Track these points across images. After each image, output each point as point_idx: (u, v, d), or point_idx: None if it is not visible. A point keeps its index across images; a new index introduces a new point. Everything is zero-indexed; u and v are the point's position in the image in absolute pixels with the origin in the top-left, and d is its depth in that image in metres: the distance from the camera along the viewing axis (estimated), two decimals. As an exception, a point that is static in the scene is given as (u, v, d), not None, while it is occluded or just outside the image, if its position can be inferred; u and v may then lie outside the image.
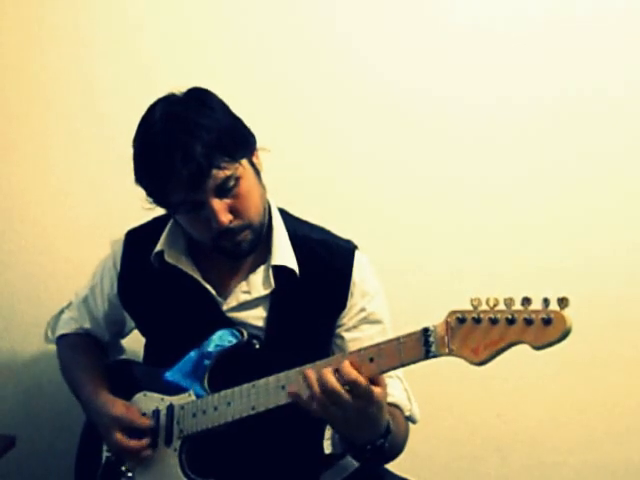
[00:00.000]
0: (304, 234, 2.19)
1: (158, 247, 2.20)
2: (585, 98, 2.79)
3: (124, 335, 2.50)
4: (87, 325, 2.43)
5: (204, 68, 2.77)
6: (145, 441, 2.12)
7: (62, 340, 2.47)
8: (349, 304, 2.14)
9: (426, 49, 2.81)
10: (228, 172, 1.97)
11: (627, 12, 2.76)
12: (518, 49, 2.79)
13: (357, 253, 2.18)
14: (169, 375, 2.16)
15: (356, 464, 2.21)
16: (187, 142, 1.93)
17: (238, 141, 2.02)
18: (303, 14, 2.81)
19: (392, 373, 2.08)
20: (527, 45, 2.79)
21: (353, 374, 1.75)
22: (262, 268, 2.15)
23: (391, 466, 2.23)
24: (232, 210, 2.02)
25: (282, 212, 2.23)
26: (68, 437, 2.69)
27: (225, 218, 2.00)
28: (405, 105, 2.82)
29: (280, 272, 2.13)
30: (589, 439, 2.86)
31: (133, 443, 2.12)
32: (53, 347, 2.52)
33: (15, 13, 2.82)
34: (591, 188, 2.81)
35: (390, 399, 2.03)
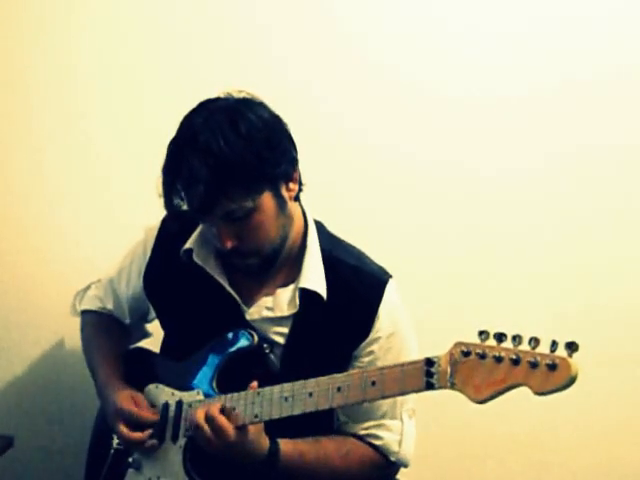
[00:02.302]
0: (338, 257, 2.08)
1: (188, 245, 2.12)
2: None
3: (148, 321, 2.43)
4: (110, 306, 2.36)
5: (206, 67, 2.70)
6: (147, 433, 2.07)
7: (86, 316, 2.42)
8: (370, 337, 2.05)
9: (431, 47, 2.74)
10: (235, 205, 1.88)
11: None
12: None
13: (389, 285, 2.08)
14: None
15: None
16: (196, 166, 1.85)
17: (256, 174, 1.89)
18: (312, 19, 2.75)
19: (397, 413, 2.07)
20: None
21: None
22: (290, 288, 2.06)
23: None
24: (239, 236, 1.94)
25: (320, 229, 2.12)
26: (66, 437, 2.74)
27: (228, 243, 1.94)
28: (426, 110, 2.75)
29: (307, 294, 2.03)
30: (587, 440, 2.80)
31: (135, 435, 2.06)
32: (52, 348, 2.52)
33: (16, 12, 2.76)
34: (592, 192, 2.75)
35: (377, 442, 2.07)
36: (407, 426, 2.08)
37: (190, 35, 2.73)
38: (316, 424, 1.98)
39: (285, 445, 1.96)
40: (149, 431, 2.07)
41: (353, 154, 2.75)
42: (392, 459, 2.07)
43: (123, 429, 2.06)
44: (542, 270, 2.73)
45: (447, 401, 2.65)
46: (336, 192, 2.71)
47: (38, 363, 2.81)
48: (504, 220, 2.76)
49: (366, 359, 2.05)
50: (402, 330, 2.09)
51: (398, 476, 2.20)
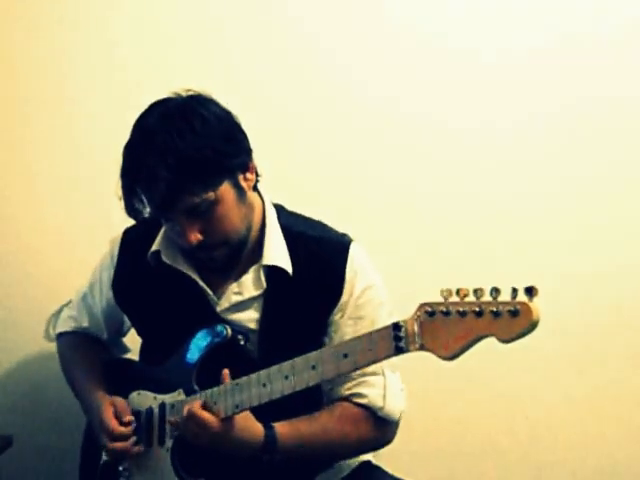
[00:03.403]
0: (299, 231, 2.10)
1: (154, 247, 2.13)
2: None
3: (123, 333, 2.44)
4: (85, 324, 2.37)
5: (199, 68, 2.75)
6: (129, 443, 2.06)
7: (62, 338, 2.43)
8: (341, 300, 2.05)
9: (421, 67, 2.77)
10: (197, 199, 1.91)
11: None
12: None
13: (352, 247, 2.09)
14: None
15: (352, 466, 2.20)
16: (154, 166, 1.88)
17: (215, 167, 1.93)
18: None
19: (377, 369, 2.04)
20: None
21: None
22: (253, 268, 2.07)
23: (386, 465, 2.20)
24: (204, 230, 1.96)
25: (278, 209, 2.15)
26: (65, 437, 2.69)
27: (194, 238, 1.95)
28: (400, 106, 2.78)
29: (272, 272, 2.05)
30: (586, 438, 2.78)
31: (118, 445, 2.07)
32: (50, 347, 2.49)
33: (12, 11, 2.80)
34: (590, 187, 2.76)
35: (362, 400, 2.05)
36: (390, 379, 2.07)
37: (186, 34, 2.78)
38: (305, 400, 1.97)
39: (281, 427, 1.96)
40: (132, 439, 2.07)
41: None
42: (379, 414, 2.05)
43: (105, 440, 2.07)
44: (540, 271, 2.68)
45: (447, 401, 2.75)
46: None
47: (37, 363, 2.82)
48: (503, 218, 2.78)
49: (340, 321, 2.06)
50: (372, 288, 2.09)
51: (396, 474, 2.18)
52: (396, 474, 2.18)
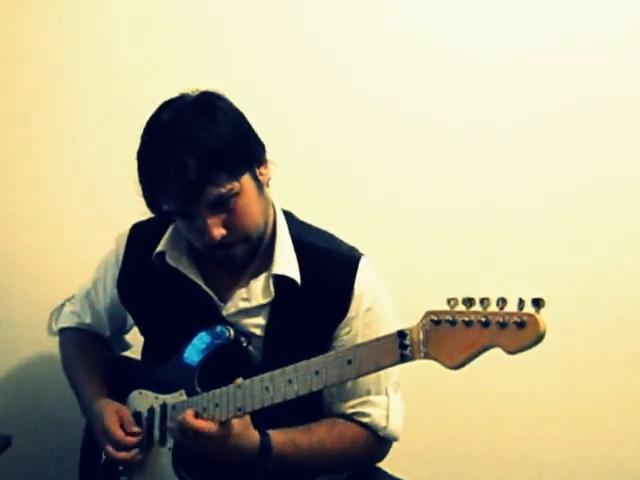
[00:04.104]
0: (308, 241, 2.09)
1: (160, 247, 2.11)
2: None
3: (126, 331, 2.42)
4: (88, 320, 2.35)
5: (199, 68, 2.73)
6: (133, 453, 2.06)
7: (64, 334, 2.41)
8: (348, 315, 2.04)
9: (425, 67, 2.76)
10: (223, 189, 1.89)
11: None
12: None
13: (361, 262, 2.07)
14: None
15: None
16: (181, 156, 1.85)
17: (239, 157, 1.92)
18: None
19: (381, 388, 2.06)
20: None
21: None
22: (263, 276, 2.06)
23: (386, 466, 2.18)
24: (226, 225, 1.94)
25: (288, 216, 2.13)
26: (64, 437, 2.69)
27: (217, 233, 1.92)
28: (400, 106, 2.77)
29: (281, 281, 2.03)
30: (585, 439, 2.78)
31: (121, 455, 2.06)
32: (50, 347, 2.49)
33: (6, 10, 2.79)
34: (590, 187, 2.75)
35: (364, 419, 2.05)
36: (393, 400, 2.07)
37: (186, 34, 2.76)
38: (305, 409, 1.97)
39: (277, 436, 1.96)
40: (135, 450, 2.07)
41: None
42: (381, 434, 2.06)
43: (110, 449, 2.06)
44: (541, 271, 2.72)
45: (447, 401, 2.75)
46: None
47: (35, 362, 2.81)
48: (503, 218, 2.77)
49: (346, 337, 2.04)
50: (379, 305, 2.08)
51: (397, 474, 2.18)
52: (396, 474, 2.18)
